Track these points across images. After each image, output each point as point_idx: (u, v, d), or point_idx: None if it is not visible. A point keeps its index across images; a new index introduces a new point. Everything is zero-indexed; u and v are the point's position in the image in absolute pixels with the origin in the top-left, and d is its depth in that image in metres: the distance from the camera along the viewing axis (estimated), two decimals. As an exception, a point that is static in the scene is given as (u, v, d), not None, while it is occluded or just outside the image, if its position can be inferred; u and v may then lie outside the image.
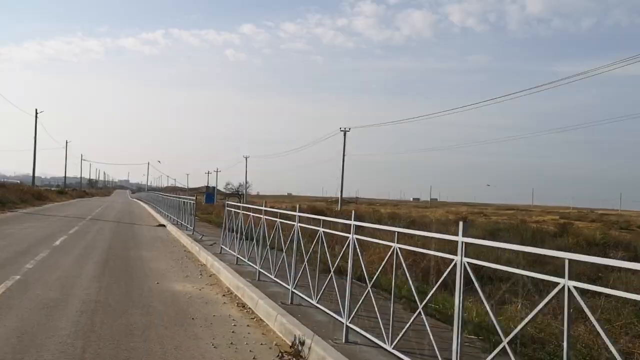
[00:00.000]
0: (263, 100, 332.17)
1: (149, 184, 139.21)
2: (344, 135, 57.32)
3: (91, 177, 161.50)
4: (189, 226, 19.39)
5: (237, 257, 11.07)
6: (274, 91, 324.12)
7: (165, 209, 30.06)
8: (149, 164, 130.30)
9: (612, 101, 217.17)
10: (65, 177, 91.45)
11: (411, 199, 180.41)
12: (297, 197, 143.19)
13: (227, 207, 12.99)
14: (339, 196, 57.47)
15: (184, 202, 21.32)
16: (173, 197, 25.42)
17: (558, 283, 3.20)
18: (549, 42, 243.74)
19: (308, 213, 10.11)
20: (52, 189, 68.02)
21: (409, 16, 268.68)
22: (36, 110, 59.79)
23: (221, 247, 12.87)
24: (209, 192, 79.39)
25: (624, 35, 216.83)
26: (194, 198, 18.16)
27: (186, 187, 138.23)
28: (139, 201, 63.41)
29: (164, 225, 23.29)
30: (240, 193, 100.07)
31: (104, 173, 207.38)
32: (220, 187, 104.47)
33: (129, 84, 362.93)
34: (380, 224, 8.12)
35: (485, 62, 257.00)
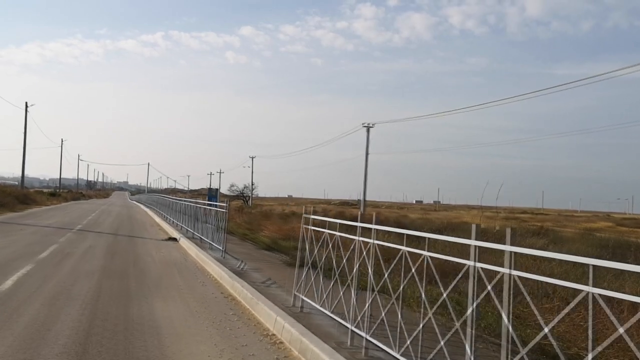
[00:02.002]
0: (263, 102, 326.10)
1: (148, 185, 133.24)
2: (367, 131, 51.66)
3: (89, 179, 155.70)
4: (214, 244, 13.72)
5: (361, 336, 5.37)
6: (274, 93, 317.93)
7: (173, 216, 24.38)
8: (149, 164, 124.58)
9: (613, 102, 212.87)
10: (60, 177, 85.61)
11: (414, 202, 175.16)
12: (299, 199, 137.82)
13: (307, 223, 7.29)
14: (362, 198, 51.75)
15: (205, 209, 15.63)
16: (189, 202, 19.62)
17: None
18: (548, 44, 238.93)
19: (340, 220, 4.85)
20: (44, 190, 62.14)
21: (409, 18, 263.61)
22: (26, 103, 54.17)
23: (297, 297, 7.20)
24: (212, 195, 73.75)
25: (623, 38, 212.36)
26: (225, 204, 12.40)
27: (187, 188, 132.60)
28: (139, 204, 57.72)
29: (175, 239, 17.62)
30: (245, 195, 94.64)
31: (102, 174, 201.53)
32: (223, 189, 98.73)
33: (129, 86, 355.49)
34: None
35: (485, 64, 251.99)
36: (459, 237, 4.40)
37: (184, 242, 16.24)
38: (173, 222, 24.04)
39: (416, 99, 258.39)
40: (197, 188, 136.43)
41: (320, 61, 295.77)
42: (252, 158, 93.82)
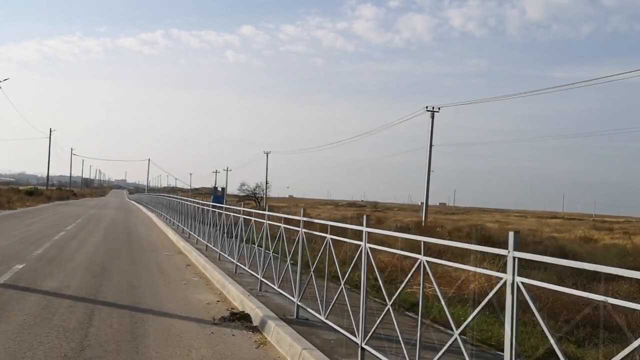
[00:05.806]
0: (263, 101, 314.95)
1: (147, 183, 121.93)
2: (432, 115, 40.68)
3: (85, 176, 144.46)
4: None
5: None
6: (274, 92, 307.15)
7: (200, 233, 13.35)
8: (149, 160, 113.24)
9: (613, 106, 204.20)
10: (47, 173, 74.44)
11: (419, 203, 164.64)
12: (302, 200, 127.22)
13: None
14: (424, 202, 40.66)
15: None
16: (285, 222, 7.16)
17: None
18: (548, 47, 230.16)
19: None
20: (21, 188, 50.92)
21: (409, 20, 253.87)
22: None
23: None
24: (217, 195, 62.53)
25: (623, 41, 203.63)
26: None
27: (189, 187, 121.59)
28: (139, 205, 46.70)
29: (248, 321, 6.61)
30: (257, 196, 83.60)
31: (99, 171, 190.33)
32: (230, 188, 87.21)
33: (128, 84, 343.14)
34: None
35: (485, 66, 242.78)
36: None
37: (282, 337, 5.22)
38: (206, 245, 13.10)
39: (417, 100, 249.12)
40: (197, 187, 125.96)
41: (320, 61, 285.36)
42: (267, 153, 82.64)
